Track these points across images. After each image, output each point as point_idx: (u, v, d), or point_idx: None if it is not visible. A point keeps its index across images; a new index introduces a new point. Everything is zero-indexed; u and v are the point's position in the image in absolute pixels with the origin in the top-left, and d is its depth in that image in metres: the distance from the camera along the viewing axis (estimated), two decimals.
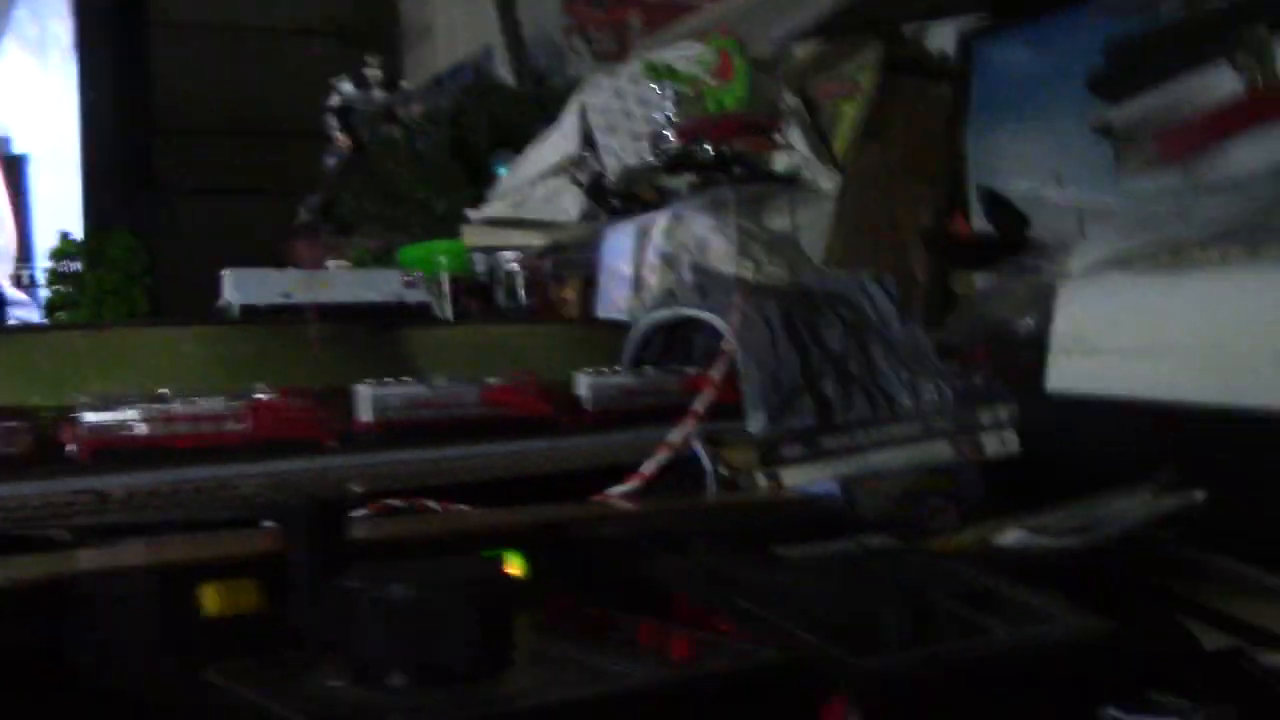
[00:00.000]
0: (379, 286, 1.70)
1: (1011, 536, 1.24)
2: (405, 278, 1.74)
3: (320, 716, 0.69)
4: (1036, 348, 1.65)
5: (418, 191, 3.19)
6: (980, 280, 1.94)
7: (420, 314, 1.75)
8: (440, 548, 0.95)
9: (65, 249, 1.76)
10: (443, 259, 2.58)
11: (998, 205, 2.03)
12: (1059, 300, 1.63)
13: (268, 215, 3.10)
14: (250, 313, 1.56)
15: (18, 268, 2.79)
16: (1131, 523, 1.27)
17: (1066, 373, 1.59)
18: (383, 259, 2.93)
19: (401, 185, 3.20)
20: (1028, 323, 1.70)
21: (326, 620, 0.77)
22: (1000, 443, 1.52)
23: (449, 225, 2.96)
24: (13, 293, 2.60)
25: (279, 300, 1.58)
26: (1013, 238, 1.95)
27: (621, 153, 2.63)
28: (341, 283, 1.68)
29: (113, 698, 0.87)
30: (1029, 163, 2.00)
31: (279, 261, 2.36)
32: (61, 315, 1.72)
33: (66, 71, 2.96)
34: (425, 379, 1.43)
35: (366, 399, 1.34)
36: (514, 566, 0.96)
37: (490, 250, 2.66)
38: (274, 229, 2.76)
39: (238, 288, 1.57)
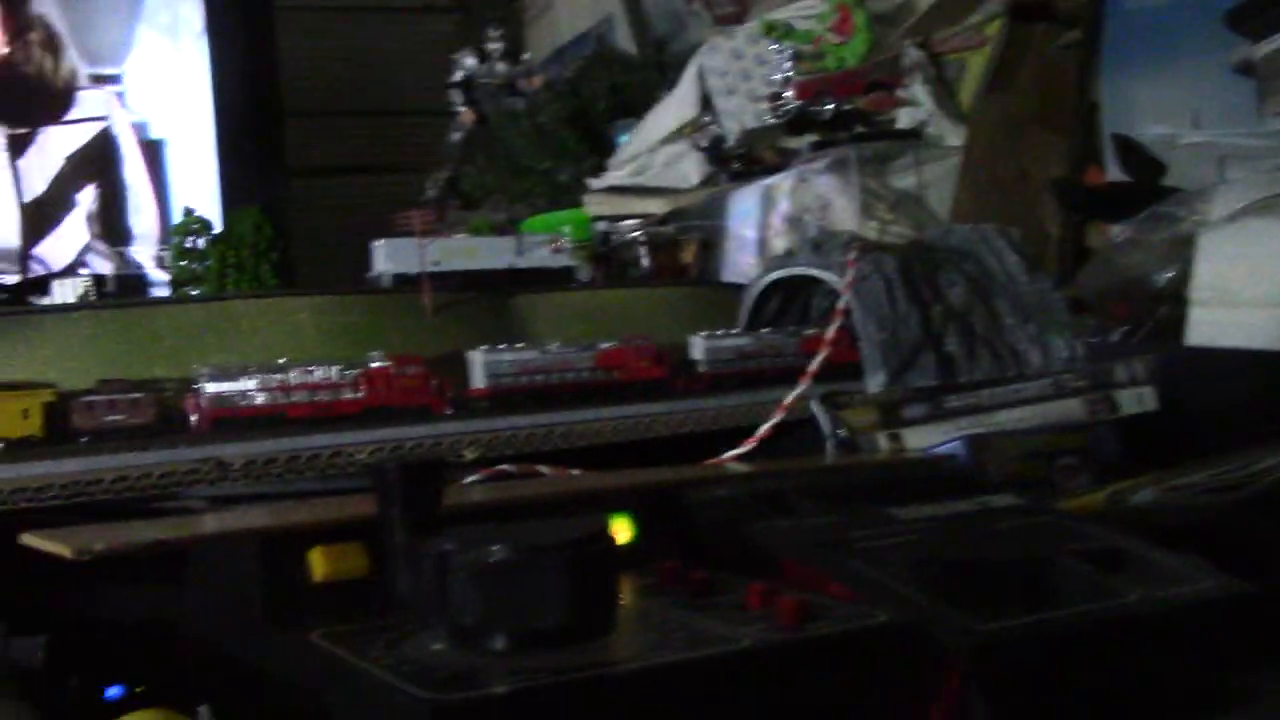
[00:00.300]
0: (525, 252, 1.70)
1: (1148, 495, 1.19)
2: (552, 243, 1.75)
3: (417, 680, 0.68)
4: (1176, 300, 1.58)
5: (540, 163, 3.19)
6: (1115, 231, 1.86)
7: (566, 279, 1.75)
8: (550, 511, 0.94)
9: (188, 225, 1.80)
10: (566, 229, 2.58)
11: (1133, 152, 1.94)
12: (1199, 250, 1.55)
13: (395, 192, 3.15)
14: (402, 281, 1.58)
15: (160, 250, 2.87)
16: (1277, 479, 1.20)
17: (1207, 325, 1.51)
18: (505, 231, 2.94)
19: (524, 157, 3.20)
20: (1166, 274, 1.63)
21: (424, 583, 0.77)
22: (1137, 399, 1.45)
23: (572, 195, 2.96)
24: (156, 274, 2.68)
25: (429, 268, 1.59)
26: (1149, 185, 1.87)
27: (741, 115, 2.60)
28: (489, 249, 1.69)
29: (221, 661, 0.89)
30: (1165, 106, 1.90)
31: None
32: (187, 290, 1.77)
33: (198, 56, 3.04)
34: (539, 344, 1.43)
35: (480, 365, 1.34)
36: (622, 529, 0.95)
37: (612, 218, 2.65)
38: (401, 206, 2.79)
39: (389, 257, 1.58)
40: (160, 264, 2.71)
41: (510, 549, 0.73)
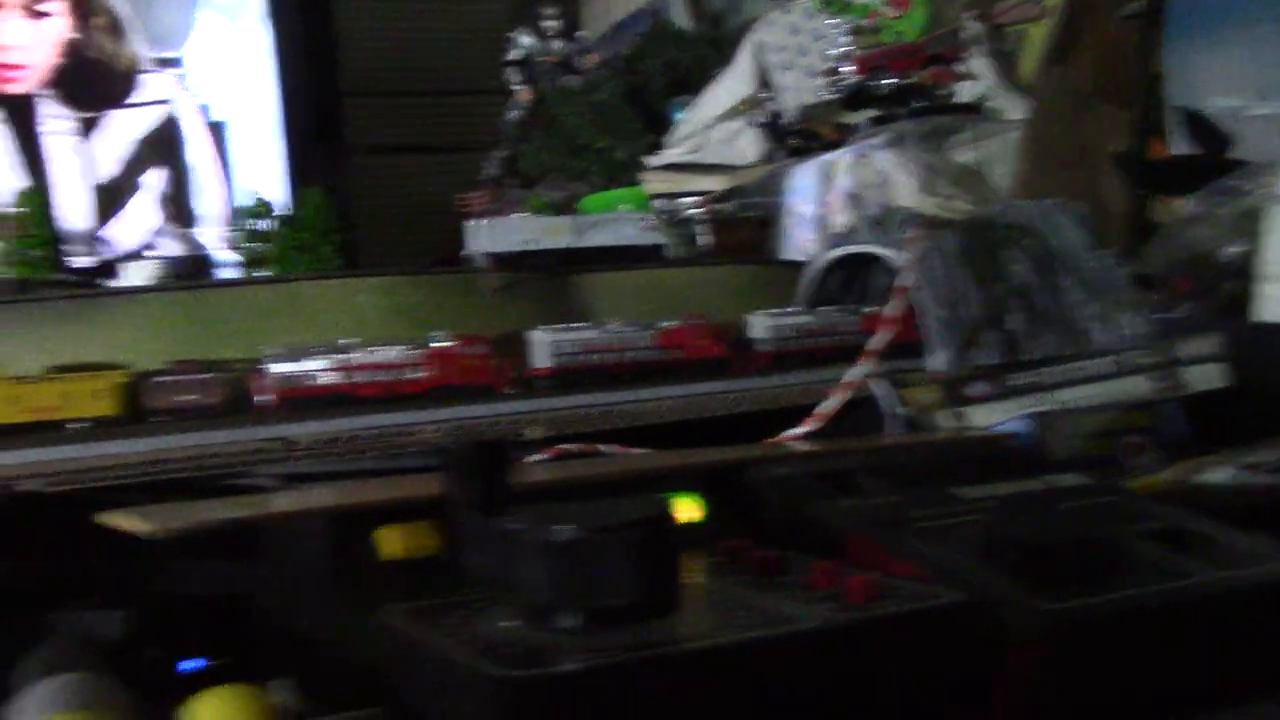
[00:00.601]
0: (616, 229, 1.72)
1: (1217, 474, 1.17)
2: (642, 220, 1.76)
3: (489, 657, 0.69)
4: (1243, 275, 1.56)
5: (597, 141, 3.19)
6: (1181, 205, 1.83)
7: (656, 255, 1.76)
8: (616, 491, 0.94)
9: (257, 209, 1.84)
10: (624, 207, 2.58)
11: (1198, 124, 1.91)
12: (1266, 224, 1.53)
13: (455, 171, 3.16)
14: (498, 260, 1.59)
15: (227, 231, 2.92)
16: None
17: (1276, 300, 1.49)
18: (564, 209, 2.95)
19: (581, 135, 3.21)
20: (1233, 249, 1.61)
21: (493, 562, 0.78)
22: (1205, 376, 1.43)
23: (629, 173, 2.96)
24: (223, 255, 2.73)
25: (523, 247, 1.61)
26: (1215, 158, 1.84)
27: (799, 90, 2.58)
28: (580, 227, 1.71)
29: (294, 637, 0.90)
30: (1231, 78, 1.87)
31: (459, 216, 2.40)
32: (253, 272, 1.81)
33: (260, 37, 3.07)
34: (601, 323, 1.44)
35: (542, 344, 1.35)
36: (691, 509, 0.95)
37: (669, 196, 2.65)
38: (461, 185, 2.81)
39: (485, 236, 1.60)
40: (227, 246, 2.75)
41: (578, 528, 0.74)
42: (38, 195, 1.77)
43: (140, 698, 0.82)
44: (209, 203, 3.04)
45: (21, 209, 1.65)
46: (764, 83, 2.67)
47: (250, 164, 3.06)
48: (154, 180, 2.98)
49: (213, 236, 2.86)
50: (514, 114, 3.36)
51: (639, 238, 1.70)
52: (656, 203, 2.63)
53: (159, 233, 2.94)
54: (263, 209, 1.84)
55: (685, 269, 1.85)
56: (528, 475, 1.02)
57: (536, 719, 0.67)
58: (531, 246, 1.60)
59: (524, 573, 0.74)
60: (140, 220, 2.94)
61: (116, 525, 0.82)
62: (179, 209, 2.99)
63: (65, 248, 1.96)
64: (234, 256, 2.12)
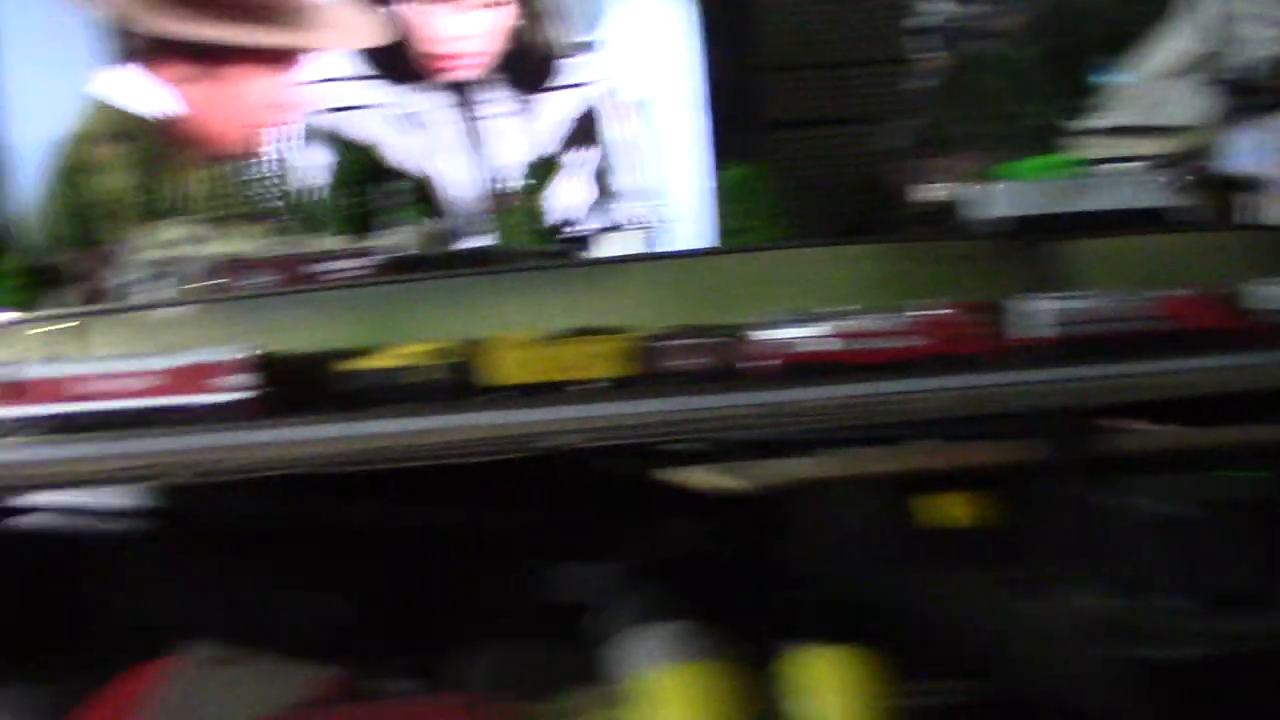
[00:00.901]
0: (1138, 191, 1.65)
1: None
2: (1163, 181, 1.68)
3: (1109, 635, 0.66)
4: None
5: (1016, 106, 3.08)
6: None
7: (1155, 221, 1.67)
8: (1172, 466, 0.89)
9: (735, 179, 1.87)
10: (1046, 174, 2.47)
11: None
12: None
13: (874, 142, 3.14)
14: (1023, 224, 1.56)
15: (645, 206, 3.03)
16: None
17: None
18: (984, 177, 2.85)
19: (999, 101, 3.10)
20: None
21: (1081, 534, 0.75)
22: None
23: (1050, 139, 2.83)
24: (670, 227, 2.85)
25: (1044, 210, 1.57)
26: None
27: (1261, 43, 2.38)
28: (1101, 189, 1.65)
29: (837, 603, 0.91)
30: None
31: (883, 186, 2.36)
32: (735, 241, 1.85)
33: (682, 17, 3.16)
34: (1094, 291, 1.37)
35: (1040, 312, 1.30)
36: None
37: (1108, 161, 2.51)
38: (880, 155, 2.79)
39: (1002, 200, 1.58)
40: (646, 220, 2.86)
41: (1192, 505, 0.69)
42: (537, 171, 1.87)
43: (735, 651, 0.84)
44: (638, 177, 3.16)
45: (518, 187, 1.74)
46: (1218, 36, 2.47)
47: (675, 139, 3.16)
48: (587, 157, 3.12)
49: (640, 210, 2.97)
50: (927, 82, 3.29)
51: (1142, 201, 1.60)
52: (1095, 168, 2.49)
53: (600, 207, 3.09)
54: (742, 181, 1.87)
55: (1162, 235, 1.73)
56: (1088, 447, 0.98)
57: (1166, 702, 0.63)
58: (1051, 210, 1.54)
59: (1134, 549, 0.71)
60: (579, 194, 3.09)
61: (704, 482, 0.85)
62: (611, 183, 3.13)
63: (534, 222, 2.07)
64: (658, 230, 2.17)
